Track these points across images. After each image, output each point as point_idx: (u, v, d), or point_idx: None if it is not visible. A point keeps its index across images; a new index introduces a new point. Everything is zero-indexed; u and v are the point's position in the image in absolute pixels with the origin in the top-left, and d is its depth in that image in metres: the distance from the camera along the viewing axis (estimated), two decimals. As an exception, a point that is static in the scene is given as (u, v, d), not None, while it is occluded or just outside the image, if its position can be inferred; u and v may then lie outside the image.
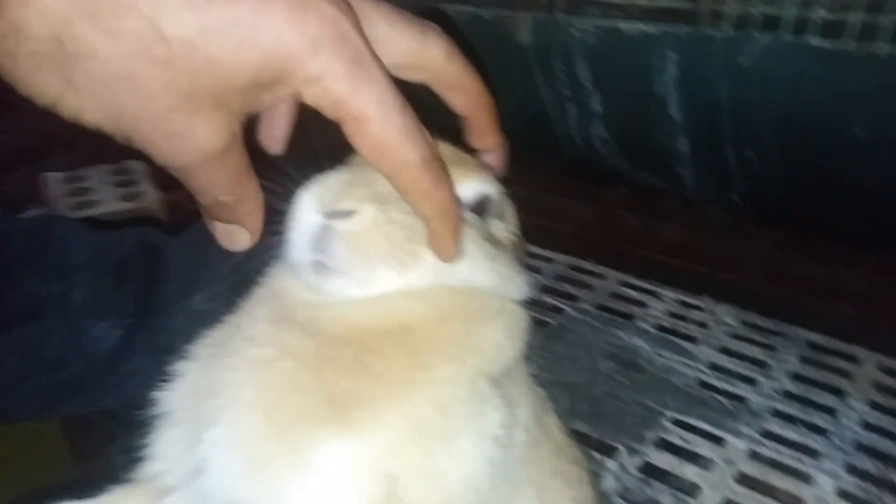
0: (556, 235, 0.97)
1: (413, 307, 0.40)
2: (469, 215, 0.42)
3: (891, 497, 0.59)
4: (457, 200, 0.39)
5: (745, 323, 0.80)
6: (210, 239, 0.40)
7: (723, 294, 0.86)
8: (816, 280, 0.93)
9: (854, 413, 0.67)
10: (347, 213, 0.38)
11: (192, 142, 0.32)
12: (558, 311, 0.80)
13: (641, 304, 0.83)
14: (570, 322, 0.79)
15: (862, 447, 0.64)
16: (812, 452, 0.62)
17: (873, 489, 0.59)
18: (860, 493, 0.59)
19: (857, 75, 0.74)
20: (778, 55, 0.75)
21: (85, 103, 0.30)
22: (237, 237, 0.38)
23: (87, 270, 0.49)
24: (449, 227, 0.39)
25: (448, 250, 0.39)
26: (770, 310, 0.83)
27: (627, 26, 0.79)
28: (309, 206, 0.39)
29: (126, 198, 0.95)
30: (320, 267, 0.39)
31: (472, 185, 0.42)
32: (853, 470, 0.61)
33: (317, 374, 0.37)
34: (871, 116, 0.76)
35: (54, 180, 0.98)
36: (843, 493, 0.59)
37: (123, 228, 0.54)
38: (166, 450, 0.41)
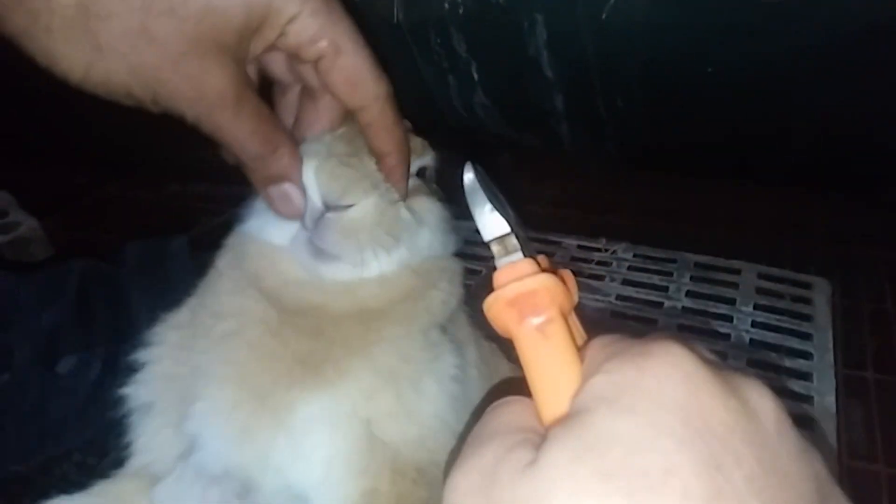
0: (456, 206, 1.01)
1: (374, 293, 0.43)
2: (427, 184, 0.46)
3: (788, 379, 0.67)
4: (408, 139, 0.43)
5: (639, 256, 0.87)
6: (159, 253, 0.41)
7: (615, 234, 0.93)
8: (689, 210, 1.02)
9: (745, 316, 0.75)
10: (348, 206, 0.40)
11: (208, 82, 0.35)
12: (473, 272, 0.84)
13: (547, 254, 0.87)
14: (487, 281, 0.82)
15: (756, 343, 0.72)
16: (720, 355, 0.70)
17: (773, 375, 0.68)
18: (765, 382, 0.67)
19: (700, 18, 0.82)
20: (631, 7, 0.82)
21: (112, 65, 0.34)
22: (293, 197, 0.40)
23: (47, 311, 0.47)
24: (403, 163, 0.42)
25: (399, 186, 0.43)
26: (657, 241, 0.91)
27: (494, -6, 0.83)
28: (313, 191, 0.41)
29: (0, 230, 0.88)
30: (317, 249, 0.41)
31: (417, 158, 0.46)
32: (755, 363, 0.69)
33: (280, 340, 0.40)
34: (717, 54, 0.85)
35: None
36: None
37: (56, 264, 0.51)
38: (150, 440, 0.42)
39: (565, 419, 0.23)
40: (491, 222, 0.31)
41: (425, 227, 0.45)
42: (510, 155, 1.18)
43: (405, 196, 0.43)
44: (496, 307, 0.28)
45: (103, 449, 0.44)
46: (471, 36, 0.88)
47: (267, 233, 0.44)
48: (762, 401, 0.24)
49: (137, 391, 0.42)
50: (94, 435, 0.44)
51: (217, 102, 0.36)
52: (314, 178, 0.40)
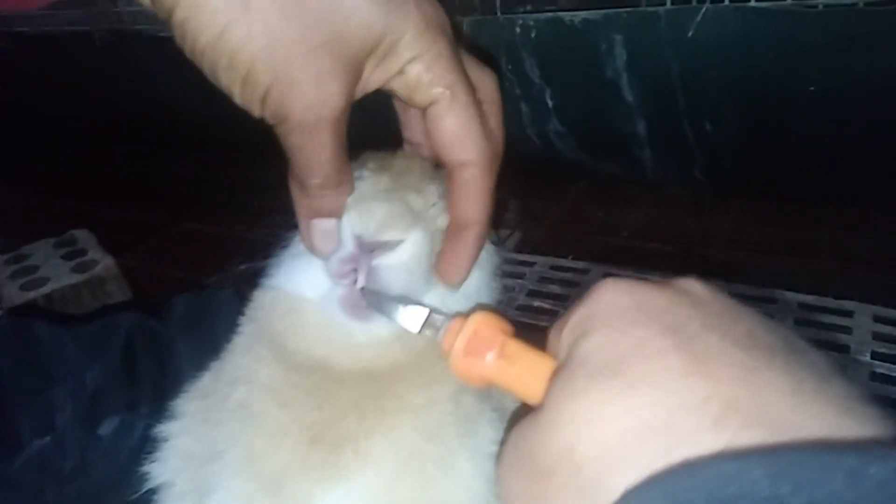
0: (529, 238, 0.96)
1: (385, 351, 0.38)
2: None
3: (917, 444, 0.58)
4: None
5: (734, 294, 0.79)
6: (206, 306, 0.39)
7: (705, 270, 0.85)
8: (789, 242, 0.93)
9: (862, 367, 0.66)
10: (393, 244, 0.37)
11: (331, 87, 0.33)
12: (549, 312, 0.78)
13: (629, 292, 0.81)
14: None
15: (877, 398, 0.62)
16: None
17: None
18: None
19: (800, 32, 0.75)
20: (721, 22, 0.75)
21: (252, 29, 0.32)
22: (333, 236, 0.38)
23: (90, 369, 0.46)
24: (481, 241, 0.38)
25: (466, 269, 0.38)
26: (753, 278, 0.82)
27: (569, 16, 0.78)
28: (349, 237, 0.37)
29: (77, 269, 0.89)
30: (351, 305, 0.37)
31: None
32: (876, 423, 0.60)
33: (287, 410, 0.36)
34: (819, 70, 0.77)
35: (-5, 264, 0.92)
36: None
37: (104, 318, 0.50)
38: None
39: (552, 374, 0.27)
40: (409, 317, 0.34)
41: (478, 269, 0.41)
42: (588, 183, 1.12)
43: (451, 284, 0.39)
44: (458, 365, 0.31)
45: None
46: (544, 60, 0.83)
47: (295, 285, 0.41)
48: (689, 283, 0.28)
49: (157, 469, 0.39)
50: (135, 500, 0.41)
51: (327, 116, 0.34)
52: (348, 218, 0.38)
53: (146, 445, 0.41)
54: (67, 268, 0.90)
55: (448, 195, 0.38)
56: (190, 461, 0.38)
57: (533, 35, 0.81)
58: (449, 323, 0.32)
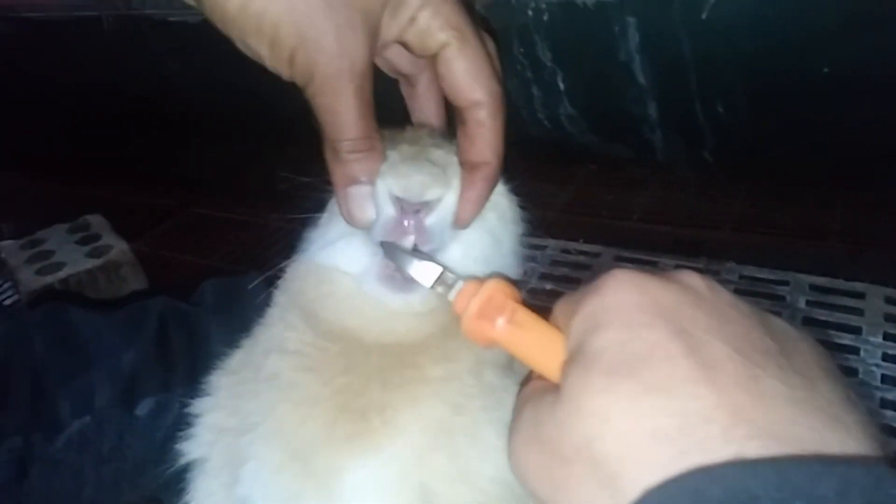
0: (540, 221, 0.96)
1: (413, 326, 0.38)
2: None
3: (929, 424, 0.59)
4: None
5: (746, 277, 0.79)
6: (236, 290, 0.39)
7: (716, 253, 0.85)
8: (799, 224, 0.93)
9: (874, 348, 0.67)
10: (435, 203, 0.37)
11: (352, 41, 0.35)
12: (561, 295, 0.78)
13: (641, 274, 0.81)
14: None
15: (888, 379, 0.63)
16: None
17: (911, 419, 0.59)
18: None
19: (813, 13, 0.74)
20: (734, 4, 0.75)
21: None
22: (370, 202, 0.38)
23: (126, 352, 0.46)
24: (494, 179, 0.39)
25: (477, 207, 0.39)
26: (765, 260, 0.82)
27: (582, -1, 0.78)
28: (389, 203, 0.37)
29: (92, 254, 0.90)
30: (391, 277, 0.37)
31: None
32: (888, 404, 0.61)
33: (314, 375, 0.37)
34: (836, 51, 0.76)
35: (11, 249, 0.92)
36: (884, 428, 0.58)
37: (135, 303, 0.50)
38: (207, 501, 0.39)
39: (567, 361, 0.28)
40: (423, 270, 0.34)
41: (500, 219, 0.42)
42: (597, 166, 1.12)
43: (465, 224, 0.39)
44: (469, 326, 0.32)
45: (179, 493, 0.42)
46: (556, 43, 0.83)
47: (333, 258, 0.40)
48: (691, 278, 0.30)
49: (189, 446, 0.40)
50: (169, 479, 0.42)
51: (348, 68, 0.35)
52: (386, 182, 0.37)
53: (181, 425, 0.42)
54: (82, 253, 0.91)
55: (460, 138, 0.39)
56: (222, 435, 0.39)
57: (545, 18, 0.81)
58: (463, 284, 0.33)
